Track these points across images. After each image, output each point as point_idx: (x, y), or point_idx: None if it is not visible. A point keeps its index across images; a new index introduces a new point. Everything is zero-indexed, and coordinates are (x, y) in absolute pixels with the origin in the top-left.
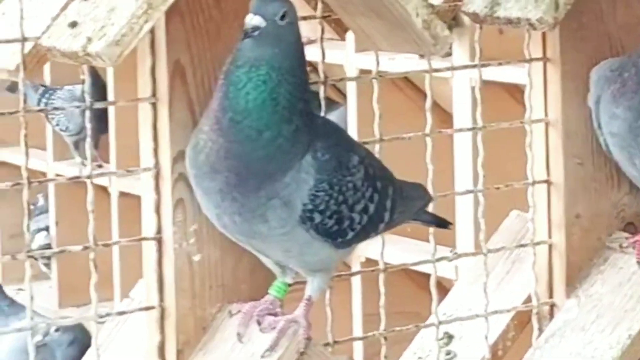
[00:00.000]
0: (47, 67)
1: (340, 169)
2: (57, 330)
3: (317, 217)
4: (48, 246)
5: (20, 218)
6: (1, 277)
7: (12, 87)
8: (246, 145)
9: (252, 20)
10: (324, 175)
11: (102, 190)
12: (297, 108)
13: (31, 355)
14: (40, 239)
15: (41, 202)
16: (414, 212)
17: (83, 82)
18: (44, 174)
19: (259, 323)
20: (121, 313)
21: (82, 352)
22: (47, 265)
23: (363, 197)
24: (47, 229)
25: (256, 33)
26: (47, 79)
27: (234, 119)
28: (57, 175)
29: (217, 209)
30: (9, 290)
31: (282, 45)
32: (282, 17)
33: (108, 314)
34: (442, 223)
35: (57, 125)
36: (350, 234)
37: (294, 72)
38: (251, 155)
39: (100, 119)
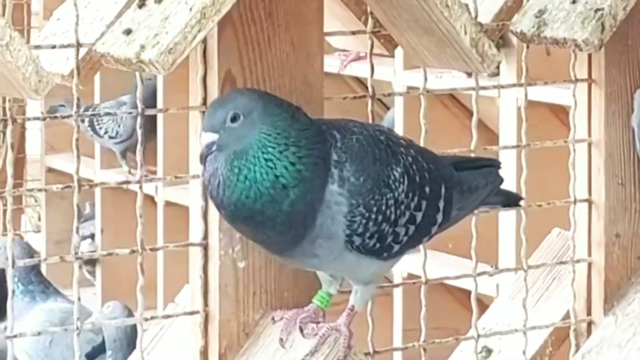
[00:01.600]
0: (96, 85)
1: (378, 187)
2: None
3: (357, 240)
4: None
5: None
6: None
7: (52, 110)
8: (257, 229)
9: (203, 138)
10: (358, 200)
11: (149, 199)
12: (292, 162)
13: (77, 355)
14: (84, 247)
15: (87, 209)
16: (480, 202)
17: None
18: (91, 182)
19: (302, 329)
20: (166, 317)
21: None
22: (91, 273)
23: (408, 208)
24: (91, 236)
25: (213, 148)
26: (96, 95)
27: (231, 215)
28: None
29: (264, 251)
30: None
31: (246, 138)
32: (234, 119)
33: (153, 317)
34: (513, 200)
35: (107, 132)
36: (396, 247)
37: (273, 142)
38: (269, 234)
39: (147, 124)
